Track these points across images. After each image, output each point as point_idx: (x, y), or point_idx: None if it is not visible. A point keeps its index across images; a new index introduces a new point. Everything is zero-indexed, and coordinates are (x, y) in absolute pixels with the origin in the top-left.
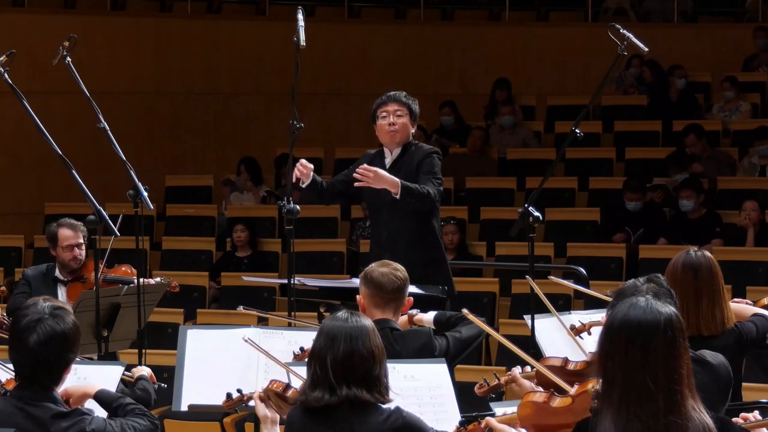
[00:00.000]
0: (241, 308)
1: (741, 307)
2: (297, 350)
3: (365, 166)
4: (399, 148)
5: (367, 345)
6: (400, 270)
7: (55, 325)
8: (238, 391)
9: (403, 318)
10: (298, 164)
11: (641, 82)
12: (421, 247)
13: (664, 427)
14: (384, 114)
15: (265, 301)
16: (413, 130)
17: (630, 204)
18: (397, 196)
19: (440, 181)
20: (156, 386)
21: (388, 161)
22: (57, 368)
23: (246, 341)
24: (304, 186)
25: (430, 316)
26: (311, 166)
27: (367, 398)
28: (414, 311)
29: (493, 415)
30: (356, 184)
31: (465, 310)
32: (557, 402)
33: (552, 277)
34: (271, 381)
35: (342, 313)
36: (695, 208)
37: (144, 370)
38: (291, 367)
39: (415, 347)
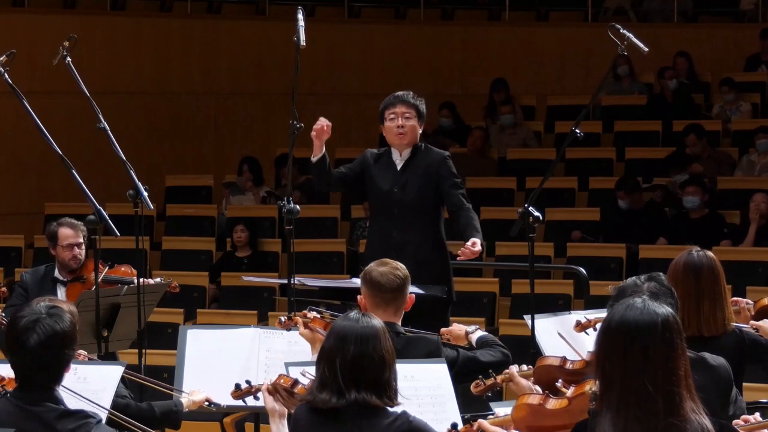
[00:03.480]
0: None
1: None
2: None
3: (470, 248)
4: (408, 150)
5: (377, 348)
6: (399, 269)
7: (54, 324)
8: (247, 382)
9: (461, 332)
10: (320, 120)
11: (634, 79)
12: (431, 249)
13: (664, 429)
14: (392, 116)
15: (265, 301)
16: (420, 131)
17: (621, 202)
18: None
19: (462, 184)
20: (214, 406)
21: (398, 162)
22: (58, 367)
23: (303, 376)
24: (314, 160)
25: (476, 335)
26: (329, 123)
27: (375, 403)
28: (471, 328)
29: (493, 416)
30: (460, 257)
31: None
32: (553, 404)
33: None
34: (280, 375)
35: (354, 314)
36: (699, 207)
37: (189, 398)
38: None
39: (421, 354)
